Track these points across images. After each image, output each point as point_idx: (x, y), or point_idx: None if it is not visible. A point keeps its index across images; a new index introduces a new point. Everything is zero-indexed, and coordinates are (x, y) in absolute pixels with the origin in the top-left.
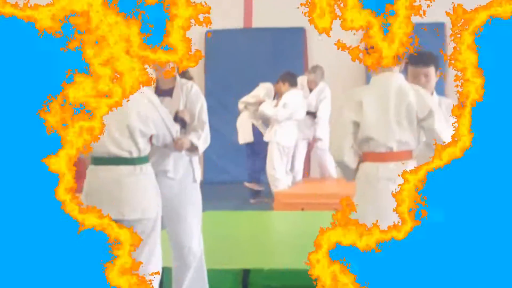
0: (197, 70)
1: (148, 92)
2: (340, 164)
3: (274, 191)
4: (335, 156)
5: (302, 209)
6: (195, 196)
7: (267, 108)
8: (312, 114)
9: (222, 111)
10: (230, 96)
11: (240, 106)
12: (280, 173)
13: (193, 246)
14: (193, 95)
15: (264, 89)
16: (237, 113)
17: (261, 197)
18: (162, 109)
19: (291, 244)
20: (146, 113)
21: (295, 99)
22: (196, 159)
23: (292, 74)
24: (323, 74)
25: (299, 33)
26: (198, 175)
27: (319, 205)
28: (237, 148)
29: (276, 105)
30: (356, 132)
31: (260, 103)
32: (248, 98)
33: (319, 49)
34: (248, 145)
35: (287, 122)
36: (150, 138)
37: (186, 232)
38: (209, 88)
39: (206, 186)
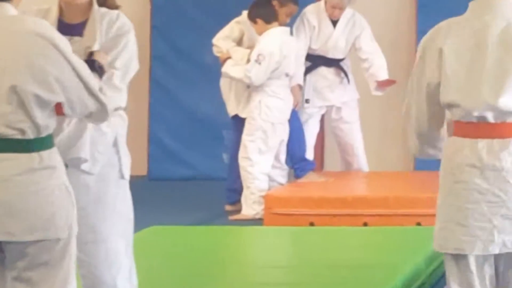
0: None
1: (45, 28)
2: (421, 138)
3: (259, 194)
4: (412, 128)
5: (311, 225)
6: (123, 201)
7: (232, 67)
8: (336, 63)
9: (181, 71)
10: (191, 44)
11: (215, 49)
12: (261, 167)
13: (119, 284)
14: (117, 30)
15: (237, 31)
16: (203, 72)
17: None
18: (74, 58)
19: None
20: (44, 66)
21: (275, 42)
22: (123, 142)
23: (265, 1)
24: None
25: None
26: (128, 168)
27: (340, 217)
28: (205, 125)
29: (247, 60)
30: (436, 96)
31: (223, 60)
32: (214, 40)
33: None
34: (236, 119)
35: (276, 84)
36: (57, 107)
37: (107, 260)
38: (158, 33)
39: (152, 184)
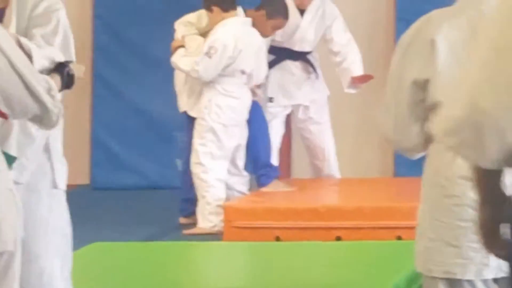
0: None
1: None
2: (401, 151)
3: (216, 203)
4: (389, 138)
5: (277, 239)
6: (58, 214)
7: (182, 57)
8: (303, 56)
9: (127, 65)
10: (139, 36)
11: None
12: (215, 173)
13: None
14: (45, 9)
15: (206, 20)
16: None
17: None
18: (15, 53)
19: None
20: None
21: (230, 34)
22: (57, 147)
23: None
24: None
25: None
26: (63, 176)
27: (310, 231)
28: (156, 126)
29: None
30: (420, 97)
31: (175, 48)
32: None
33: None
34: (188, 117)
35: (229, 81)
36: None
37: (40, 283)
38: (102, 23)
39: (96, 194)
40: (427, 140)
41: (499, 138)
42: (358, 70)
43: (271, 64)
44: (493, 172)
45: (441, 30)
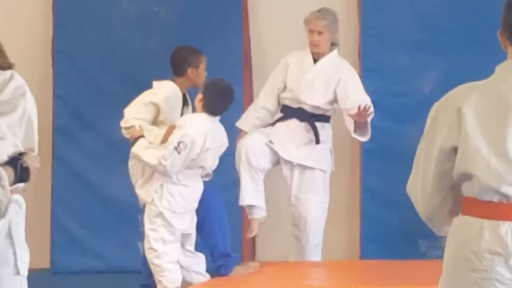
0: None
1: None
2: (427, 221)
3: (173, 287)
4: (417, 207)
5: None
6: None
7: (145, 149)
8: (310, 119)
9: (88, 146)
10: (100, 116)
11: (125, 131)
12: (169, 257)
13: None
14: (8, 99)
15: (161, 101)
16: (113, 147)
17: None
18: None
19: None
20: None
21: (201, 131)
22: (19, 232)
23: (225, 90)
24: (337, 29)
25: None
26: (25, 262)
27: None
28: (117, 209)
29: (164, 137)
30: (447, 166)
31: (135, 138)
32: (123, 123)
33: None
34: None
35: (185, 173)
36: None
37: None
38: (62, 103)
39: (56, 279)
40: (451, 212)
41: None
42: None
43: (279, 119)
44: None
45: (469, 99)
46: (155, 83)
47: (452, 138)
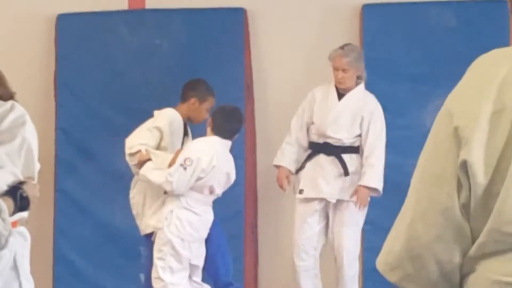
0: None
1: None
2: None
3: None
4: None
5: None
6: None
7: (152, 170)
8: (337, 153)
9: (90, 178)
10: (102, 148)
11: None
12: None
13: None
14: (7, 129)
15: (164, 126)
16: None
17: None
18: None
19: None
20: None
21: (207, 150)
22: (25, 265)
23: (232, 111)
24: (363, 70)
25: (237, 14)
26: None
27: None
28: (119, 240)
29: (172, 162)
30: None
31: (142, 162)
32: (128, 149)
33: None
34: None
35: (195, 197)
36: None
37: None
38: (64, 135)
39: None
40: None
41: (438, 268)
42: (367, 180)
43: (307, 159)
44: None
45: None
46: (156, 112)
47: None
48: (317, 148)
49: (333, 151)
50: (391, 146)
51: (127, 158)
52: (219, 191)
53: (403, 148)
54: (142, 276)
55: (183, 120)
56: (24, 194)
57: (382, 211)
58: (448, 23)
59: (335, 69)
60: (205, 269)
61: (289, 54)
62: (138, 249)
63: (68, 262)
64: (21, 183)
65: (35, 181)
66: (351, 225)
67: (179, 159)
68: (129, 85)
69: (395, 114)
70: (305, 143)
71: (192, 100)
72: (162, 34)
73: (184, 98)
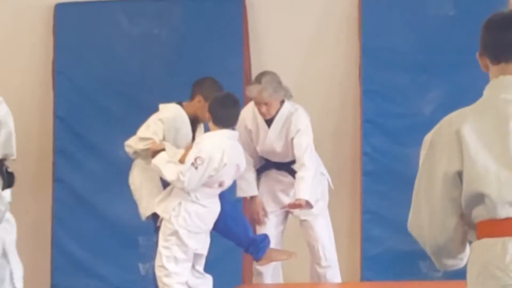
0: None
1: None
2: (436, 252)
3: None
4: (423, 238)
5: None
6: None
7: (167, 163)
8: (287, 167)
9: (89, 168)
10: (101, 137)
11: (127, 149)
12: (179, 277)
13: None
14: None
15: (166, 118)
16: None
17: None
18: None
19: None
20: None
21: (217, 147)
22: (13, 250)
23: (224, 98)
24: (285, 90)
25: (236, 4)
26: (20, 280)
27: None
28: (118, 230)
29: (182, 157)
30: (455, 192)
31: (155, 151)
32: (135, 140)
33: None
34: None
35: (204, 191)
36: None
37: None
38: (63, 124)
39: None
40: (465, 236)
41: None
42: (298, 194)
43: (260, 171)
44: None
45: (466, 121)
46: (161, 106)
47: (455, 163)
48: (268, 164)
49: (282, 166)
50: (389, 135)
51: (138, 143)
52: (228, 183)
53: (402, 137)
54: (141, 266)
55: (190, 117)
56: (9, 171)
57: (380, 200)
58: (447, 12)
59: (257, 103)
60: (225, 238)
61: (288, 44)
62: (137, 239)
63: (66, 252)
64: (2, 160)
65: (14, 157)
66: (322, 216)
67: (190, 158)
68: (128, 74)
69: (394, 103)
70: (258, 165)
71: (198, 98)
72: (161, 24)
73: (191, 95)
